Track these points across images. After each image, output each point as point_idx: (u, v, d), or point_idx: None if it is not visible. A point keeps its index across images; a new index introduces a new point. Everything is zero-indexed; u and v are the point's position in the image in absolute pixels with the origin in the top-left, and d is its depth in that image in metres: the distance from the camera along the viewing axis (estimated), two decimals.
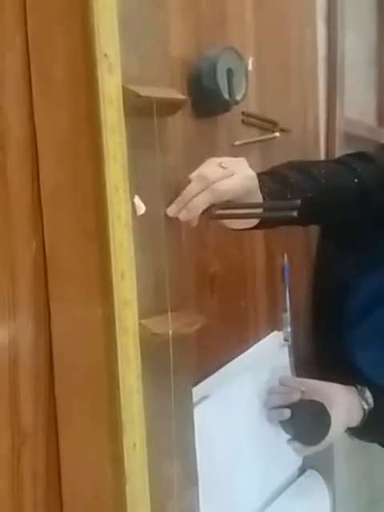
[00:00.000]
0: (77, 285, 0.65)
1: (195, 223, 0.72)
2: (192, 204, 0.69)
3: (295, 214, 0.68)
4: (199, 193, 0.69)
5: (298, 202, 0.69)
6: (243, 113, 1.00)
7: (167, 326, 0.66)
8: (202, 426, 0.83)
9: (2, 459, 0.64)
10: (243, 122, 1.00)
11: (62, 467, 0.68)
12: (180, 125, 0.88)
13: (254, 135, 1.03)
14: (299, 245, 1.15)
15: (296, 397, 0.95)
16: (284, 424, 0.96)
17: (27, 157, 0.65)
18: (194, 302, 0.90)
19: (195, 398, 0.86)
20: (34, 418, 0.67)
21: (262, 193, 0.76)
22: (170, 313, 0.68)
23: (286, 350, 1.09)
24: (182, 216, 0.69)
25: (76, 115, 0.64)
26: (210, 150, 0.95)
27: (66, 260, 0.65)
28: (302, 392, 0.96)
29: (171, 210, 0.70)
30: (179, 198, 0.70)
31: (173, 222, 0.71)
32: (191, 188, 0.69)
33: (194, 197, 0.69)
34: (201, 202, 0.69)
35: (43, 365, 0.67)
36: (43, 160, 0.65)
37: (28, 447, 0.66)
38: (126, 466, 0.65)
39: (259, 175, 0.77)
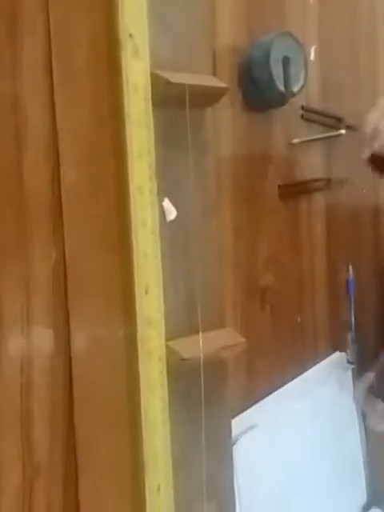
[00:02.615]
0: (98, 301, 0.57)
1: None
2: None
3: None
4: None
5: None
6: (303, 107, 0.89)
7: (199, 349, 0.57)
8: (246, 460, 0.74)
9: (11, 495, 0.56)
10: (303, 117, 0.89)
11: (81, 508, 0.60)
12: (229, 119, 0.79)
13: (316, 133, 0.92)
14: (366, 256, 1.03)
15: None
16: None
17: (47, 155, 0.58)
18: (242, 318, 0.80)
19: (241, 428, 0.76)
20: (50, 449, 0.59)
21: None
22: (202, 334, 0.58)
23: (349, 374, 0.97)
24: None
25: (98, 106, 0.56)
26: (264, 148, 0.84)
27: (86, 272, 0.57)
28: None
29: None
30: None
31: (209, 228, 0.61)
32: None
33: None
34: None
35: (61, 390, 0.59)
36: (64, 159, 0.57)
37: (42, 482, 0.58)
38: (148, 511, 0.56)
39: None
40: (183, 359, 0.56)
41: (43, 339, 0.58)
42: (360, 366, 0.99)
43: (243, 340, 0.62)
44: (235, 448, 0.74)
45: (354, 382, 0.98)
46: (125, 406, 0.58)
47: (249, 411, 0.79)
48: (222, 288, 0.63)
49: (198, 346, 0.57)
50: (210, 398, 0.60)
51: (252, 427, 0.79)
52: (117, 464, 0.58)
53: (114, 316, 0.57)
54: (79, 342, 0.58)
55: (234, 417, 0.75)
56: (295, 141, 0.88)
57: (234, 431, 0.74)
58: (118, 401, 0.58)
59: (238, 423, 0.76)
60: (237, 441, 0.75)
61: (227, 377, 0.64)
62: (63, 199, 0.58)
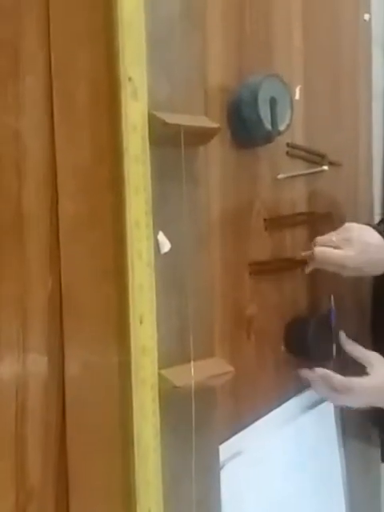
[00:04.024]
0: (93, 329, 0.59)
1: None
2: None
3: None
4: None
5: None
6: (288, 144, 0.93)
7: (190, 378, 0.59)
8: (232, 485, 0.75)
9: None
10: (288, 153, 0.93)
11: None
12: (218, 156, 0.82)
13: (300, 168, 0.96)
14: (347, 287, 1.06)
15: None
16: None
17: (46, 187, 0.60)
18: (228, 347, 0.82)
19: (226, 455, 0.78)
20: (43, 474, 0.60)
21: None
22: (193, 363, 0.61)
23: (331, 403, 0.99)
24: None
25: (97, 142, 0.59)
26: (252, 183, 0.88)
27: (82, 301, 0.59)
28: None
29: None
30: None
31: (202, 261, 0.64)
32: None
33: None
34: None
35: (54, 415, 0.61)
36: (63, 190, 0.60)
37: (35, 506, 0.59)
38: None
39: None
40: (176, 387, 0.58)
41: (38, 365, 0.60)
42: None
43: (231, 368, 0.64)
44: (222, 473, 0.76)
45: (335, 411, 1.00)
46: (117, 431, 0.59)
47: (235, 438, 0.81)
48: (212, 318, 0.66)
49: (189, 375, 0.60)
50: (200, 424, 0.62)
51: (238, 453, 0.80)
52: (108, 489, 0.60)
53: (109, 344, 0.59)
54: (73, 368, 0.60)
55: (220, 443, 0.77)
56: (280, 176, 0.92)
57: (221, 457, 0.76)
58: (110, 426, 0.60)
59: (224, 449, 0.77)
60: (223, 466, 0.76)
61: (216, 404, 0.66)
62: (61, 230, 0.60)
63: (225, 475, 0.76)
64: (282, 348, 0.94)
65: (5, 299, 0.57)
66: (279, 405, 0.91)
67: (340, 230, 0.89)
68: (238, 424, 0.83)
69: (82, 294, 0.60)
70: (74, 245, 0.60)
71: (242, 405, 0.85)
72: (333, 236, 0.88)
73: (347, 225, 0.90)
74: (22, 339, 0.59)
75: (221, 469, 0.75)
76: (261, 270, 0.89)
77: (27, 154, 0.59)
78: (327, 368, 0.94)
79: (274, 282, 0.93)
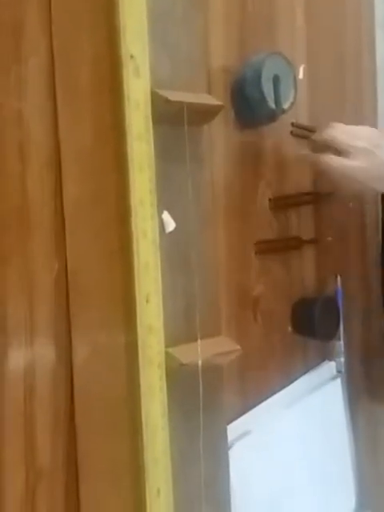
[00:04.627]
0: (99, 309, 0.59)
1: None
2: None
3: None
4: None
5: None
6: (292, 124, 0.93)
7: (197, 356, 0.59)
8: (240, 465, 0.76)
9: (14, 499, 0.58)
10: (292, 133, 0.93)
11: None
12: (222, 136, 0.82)
13: (304, 148, 0.95)
14: (354, 266, 1.06)
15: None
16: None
17: (50, 169, 0.60)
18: (235, 327, 0.82)
19: (234, 434, 0.78)
20: (52, 454, 0.60)
21: None
22: (200, 341, 0.60)
23: (338, 382, 0.99)
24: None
25: (100, 121, 0.59)
26: (256, 163, 0.87)
27: (88, 282, 0.59)
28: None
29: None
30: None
31: (207, 240, 0.64)
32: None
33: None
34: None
35: (63, 396, 0.61)
36: (66, 172, 0.59)
37: (44, 487, 0.60)
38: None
39: None
40: (182, 365, 0.59)
41: (45, 347, 0.60)
42: (349, 374, 1.02)
43: (238, 347, 0.64)
44: (230, 453, 0.76)
45: (343, 391, 1.00)
46: (125, 411, 0.59)
47: (242, 418, 0.82)
48: (218, 297, 0.66)
49: (196, 353, 0.60)
50: (207, 403, 0.62)
51: (246, 433, 0.81)
52: (117, 468, 0.60)
53: (116, 324, 0.59)
54: (81, 349, 0.60)
55: (228, 423, 0.77)
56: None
57: (229, 437, 0.76)
58: (118, 406, 0.60)
59: (232, 429, 0.78)
60: (231, 446, 0.77)
61: (223, 383, 0.66)
62: (65, 211, 0.60)
63: (233, 455, 0.76)
64: (289, 329, 0.94)
65: (11, 284, 0.58)
66: (287, 385, 0.91)
67: (344, 131, 0.82)
68: (246, 405, 0.83)
69: (87, 275, 0.60)
70: (78, 226, 0.60)
71: (249, 385, 0.85)
72: (335, 137, 0.80)
73: (354, 128, 0.83)
74: (29, 323, 0.59)
75: (229, 449, 0.76)
76: (266, 249, 0.88)
77: (30, 136, 0.59)
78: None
79: (281, 262, 0.92)
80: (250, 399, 0.85)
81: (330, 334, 0.95)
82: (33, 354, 0.59)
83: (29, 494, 0.59)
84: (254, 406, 0.85)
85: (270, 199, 0.89)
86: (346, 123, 1.02)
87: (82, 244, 0.59)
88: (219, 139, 0.81)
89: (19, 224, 0.58)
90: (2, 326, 0.57)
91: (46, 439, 0.60)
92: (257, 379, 0.87)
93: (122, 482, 0.60)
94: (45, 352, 0.60)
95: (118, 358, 0.59)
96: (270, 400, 0.87)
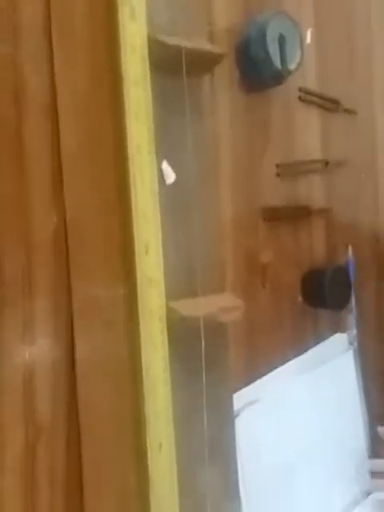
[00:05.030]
0: (98, 261, 0.58)
1: None
2: None
3: None
4: None
5: None
6: (300, 89, 0.91)
7: (199, 310, 0.58)
8: (248, 434, 0.74)
9: (15, 454, 0.56)
10: (300, 98, 0.91)
11: (84, 466, 0.60)
12: (228, 99, 0.80)
13: (313, 114, 0.93)
14: (365, 237, 1.03)
15: None
16: None
17: (46, 117, 0.58)
18: (242, 294, 0.80)
19: (242, 403, 0.76)
20: (52, 408, 0.59)
21: None
22: (202, 297, 0.59)
23: (351, 354, 0.97)
24: None
25: (97, 67, 0.57)
26: (263, 127, 0.86)
27: (87, 233, 0.58)
28: None
29: None
30: None
31: (209, 195, 0.62)
32: None
33: None
34: None
35: (63, 349, 0.59)
36: (63, 119, 0.58)
37: (44, 443, 0.59)
38: (150, 469, 0.56)
39: None
40: (183, 317, 0.57)
41: (44, 299, 0.58)
42: (362, 346, 0.99)
43: (242, 303, 0.62)
44: (237, 421, 0.74)
45: (355, 363, 0.98)
46: (126, 364, 0.58)
47: (250, 386, 0.80)
48: (221, 253, 0.64)
49: (198, 307, 0.58)
50: (211, 360, 0.60)
51: (254, 401, 0.79)
52: (119, 423, 0.58)
53: (115, 276, 0.58)
54: (80, 301, 0.59)
55: (235, 392, 0.75)
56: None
57: (237, 405, 0.75)
58: (119, 359, 0.58)
59: (239, 397, 0.76)
60: (239, 414, 0.75)
61: (227, 342, 0.64)
62: (63, 160, 0.58)
63: (241, 423, 0.75)
64: (299, 299, 0.92)
65: (9, 236, 0.56)
66: (297, 355, 0.89)
67: None
68: (254, 374, 0.81)
69: (86, 226, 0.58)
70: (76, 175, 0.58)
71: (258, 355, 0.83)
72: None
73: None
74: (28, 274, 0.58)
75: (237, 416, 0.74)
76: (274, 216, 0.87)
77: (26, 84, 0.57)
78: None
79: (289, 231, 0.90)
80: (259, 369, 0.83)
81: (341, 304, 0.93)
82: (31, 306, 0.57)
83: (29, 448, 0.57)
84: (263, 375, 0.83)
85: (277, 165, 0.87)
86: (356, 90, 1.01)
87: (80, 194, 0.58)
88: (225, 101, 0.79)
89: (16, 174, 0.57)
90: (0, 279, 0.56)
91: (47, 394, 0.59)
92: (265, 348, 0.85)
93: (124, 436, 0.59)
94: (43, 302, 0.58)
95: (118, 310, 0.58)
96: (279, 369, 0.85)
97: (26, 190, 0.57)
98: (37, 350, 0.58)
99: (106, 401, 0.59)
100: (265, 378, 0.83)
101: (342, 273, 0.94)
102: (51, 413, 0.58)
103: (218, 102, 0.77)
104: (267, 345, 0.85)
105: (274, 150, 0.87)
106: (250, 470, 0.74)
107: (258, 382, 0.81)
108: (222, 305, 0.61)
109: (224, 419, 0.64)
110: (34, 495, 0.58)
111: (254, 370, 0.82)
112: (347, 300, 0.94)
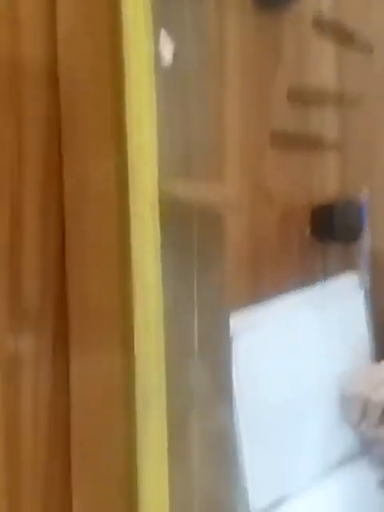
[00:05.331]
0: (91, 134, 0.56)
1: None
2: None
3: None
4: None
5: None
6: (314, 16, 0.88)
7: (193, 192, 0.56)
8: (246, 358, 0.72)
9: None
10: (314, 23, 0.88)
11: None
12: (238, 17, 0.78)
13: (327, 45, 0.91)
14: (381, 177, 1.00)
15: None
16: None
17: None
18: (247, 214, 0.78)
19: (241, 325, 0.74)
20: (40, 294, 0.57)
21: None
22: (197, 182, 0.57)
23: (361, 294, 0.94)
24: None
25: None
26: (275, 48, 0.83)
27: (80, 107, 0.56)
28: None
29: None
30: None
31: (208, 84, 0.61)
32: None
33: None
34: None
35: (53, 230, 0.58)
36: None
37: (31, 328, 0.57)
38: (135, 350, 0.54)
39: None
40: (176, 199, 0.55)
41: (36, 179, 0.57)
42: (373, 290, 0.96)
43: (238, 192, 0.60)
44: (236, 344, 0.72)
45: (366, 306, 0.95)
46: (115, 245, 0.56)
47: (251, 309, 0.77)
48: (218, 143, 0.62)
49: (193, 190, 0.56)
50: (204, 254, 0.58)
51: (254, 325, 0.76)
52: (107, 304, 0.57)
53: (105, 146, 0.56)
54: (71, 177, 0.57)
55: (234, 311, 0.72)
56: None
57: (236, 327, 0.72)
58: (108, 241, 0.57)
59: (239, 319, 0.73)
60: (238, 337, 0.72)
61: (223, 234, 0.62)
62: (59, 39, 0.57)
63: (239, 346, 0.72)
64: (308, 231, 0.89)
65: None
66: (304, 287, 0.86)
67: None
68: (256, 298, 0.79)
69: (80, 101, 0.57)
70: (73, 54, 0.57)
71: (262, 280, 0.81)
72: None
73: None
74: (18, 152, 0.56)
75: (235, 339, 0.72)
76: (284, 142, 0.84)
77: None
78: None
79: (300, 161, 0.88)
80: (262, 293, 0.80)
81: (351, 238, 0.90)
82: (20, 189, 0.56)
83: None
84: (265, 300, 0.80)
85: (289, 89, 0.85)
86: (374, 25, 0.98)
87: (76, 70, 0.57)
88: (234, 19, 0.77)
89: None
90: None
91: (34, 283, 0.57)
92: (270, 276, 0.82)
93: (113, 343, 0.56)
94: (35, 185, 0.57)
95: (108, 189, 0.56)
96: (283, 298, 0.82)
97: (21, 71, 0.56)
98: (26, 247, 0.56)
99: (96, 283, 0.57)
100: (267, 303, 0.80)
101: (353, 207, 0.91)
102: (40, 301, 0.57)
103: (228, 21, 0.76)
104: (272, 272, 0.82)
105: (285, 73, 0.84)
106: (247, 397, 0.72)
107: (261, 305, 0.79)
108: (217, 191, 0.58)
109: (216, 313, 0.61)
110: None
111: (256, 294, 0.79)
112: (358, 235, 0.91)
